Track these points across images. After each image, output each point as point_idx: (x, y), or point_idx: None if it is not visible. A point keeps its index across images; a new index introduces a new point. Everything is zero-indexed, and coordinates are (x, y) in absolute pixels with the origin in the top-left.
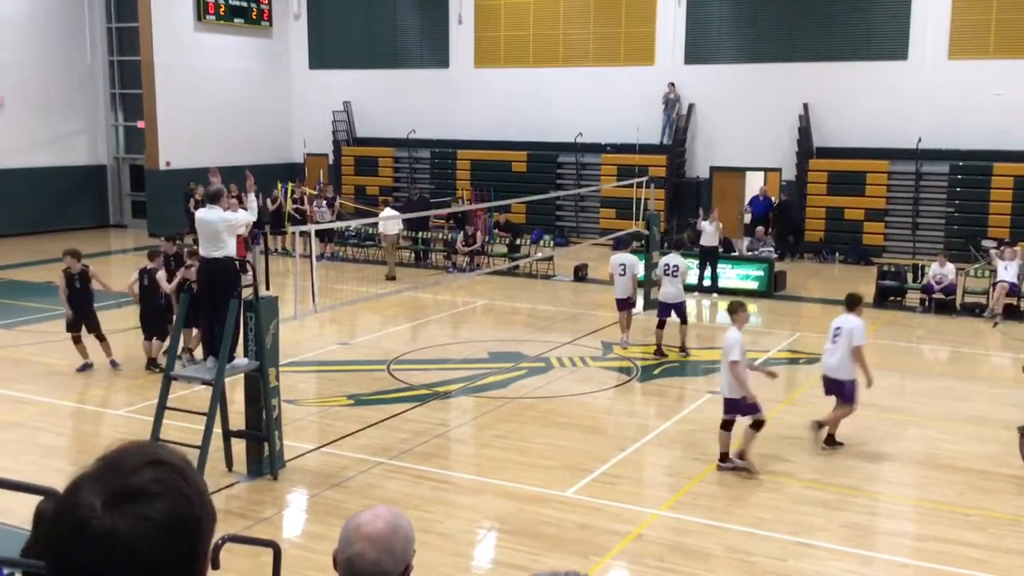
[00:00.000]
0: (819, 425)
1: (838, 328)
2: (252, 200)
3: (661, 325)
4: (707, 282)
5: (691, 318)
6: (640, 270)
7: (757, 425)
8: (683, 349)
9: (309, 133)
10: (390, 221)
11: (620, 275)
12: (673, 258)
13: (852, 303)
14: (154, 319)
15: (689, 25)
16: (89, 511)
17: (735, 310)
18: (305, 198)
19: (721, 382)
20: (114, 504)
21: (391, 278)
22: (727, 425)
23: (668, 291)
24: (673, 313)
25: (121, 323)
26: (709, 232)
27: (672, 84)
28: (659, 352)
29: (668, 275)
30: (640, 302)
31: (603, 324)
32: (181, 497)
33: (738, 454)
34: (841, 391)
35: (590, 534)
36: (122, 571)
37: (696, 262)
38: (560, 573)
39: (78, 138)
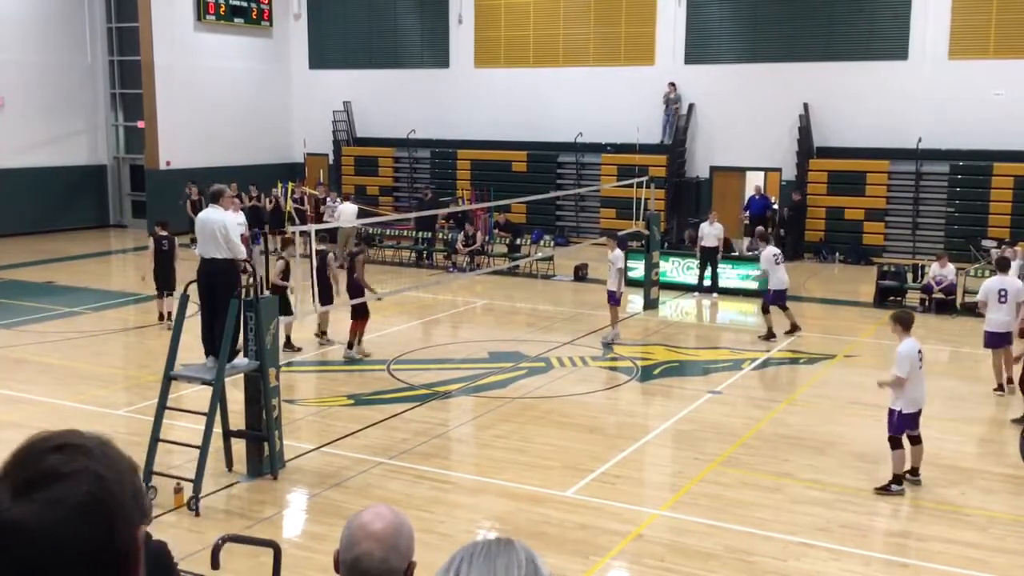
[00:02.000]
0: None
1: (1003, 290)
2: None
3: (766, 310)
4: (707, 282)
5: (691, 319)
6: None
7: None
8: (795, 327)
9: (309, 133)
10: (347, 214)
11: (619, 269)
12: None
13: (1002, 266)
14: (169, 278)
15: (689, 25)
16: None
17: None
18: (305, 197)
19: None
20: (22, 493)
21: (341, 267)
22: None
23: (783, 278)
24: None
25: (120, 323)
26: (708, 233)
27: (672, 84)
28: (772, 335)
29: (781, 263)
30: (640, 301)
31: (603, 324)
32: (92, 476)
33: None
34: (1008, 341)
35: (590, 534)
36: (33, 560)
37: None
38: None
39: (78, 138)
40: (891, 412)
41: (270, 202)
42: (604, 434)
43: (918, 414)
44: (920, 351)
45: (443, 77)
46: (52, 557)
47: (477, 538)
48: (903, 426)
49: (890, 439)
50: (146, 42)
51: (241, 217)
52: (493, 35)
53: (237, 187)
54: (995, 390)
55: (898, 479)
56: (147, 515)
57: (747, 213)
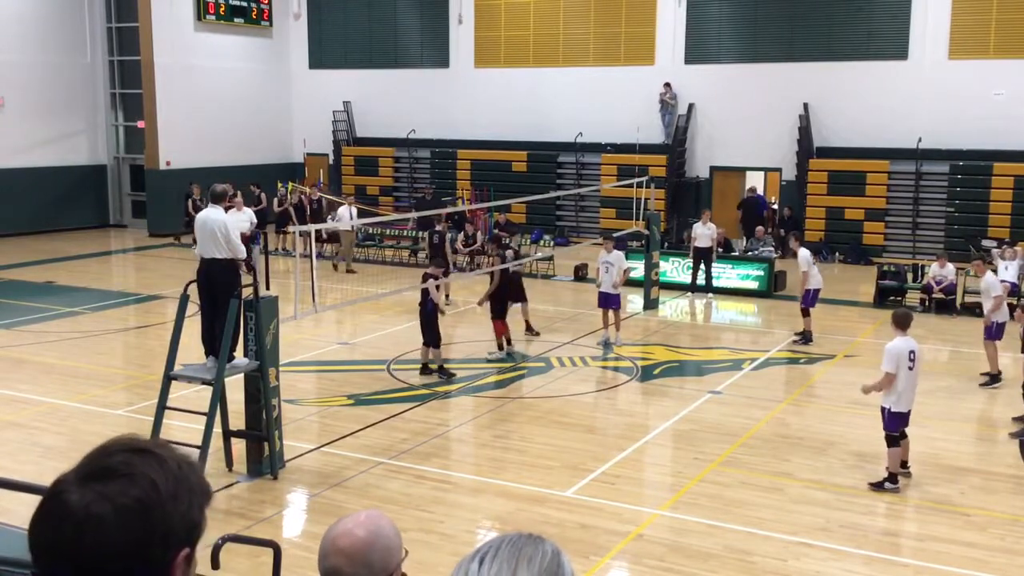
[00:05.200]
0: None
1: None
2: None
3: (806, 312)
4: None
5: (690, 319)
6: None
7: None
8: (807, 336)
9: (309, 133)
10: (345, 218)
11: (605, 272)
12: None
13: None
14: None
15: (689, 25)
16: (64, 485)
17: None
18: (304, 198)
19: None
20: (84, 481)
21: (351, 271)
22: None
23: (819, 277)
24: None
25: (120, 323)
26: (701, 233)
27: (667, 84)
28: (809, 339)
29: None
30: (640, 301)
31: (602, 324)
32: (148, 483)
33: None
34: None
35: (590, 534)
36: (77, 543)
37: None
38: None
39: (78, 138)
40: (882, 409)
41: (279, 203)
42: (604, 434)
43: (908, 414)
44: (913, 352)
45: (443, 77)
46: (92, 545)
47: (481, 537)
48: (894, 424)
49: (886, 437)
50: (146, 42)
51: (251, 215)
52: (493, 35)
53: (257, 187)
54: (995, 379)
55: (893, 477)
56: (194, 540)
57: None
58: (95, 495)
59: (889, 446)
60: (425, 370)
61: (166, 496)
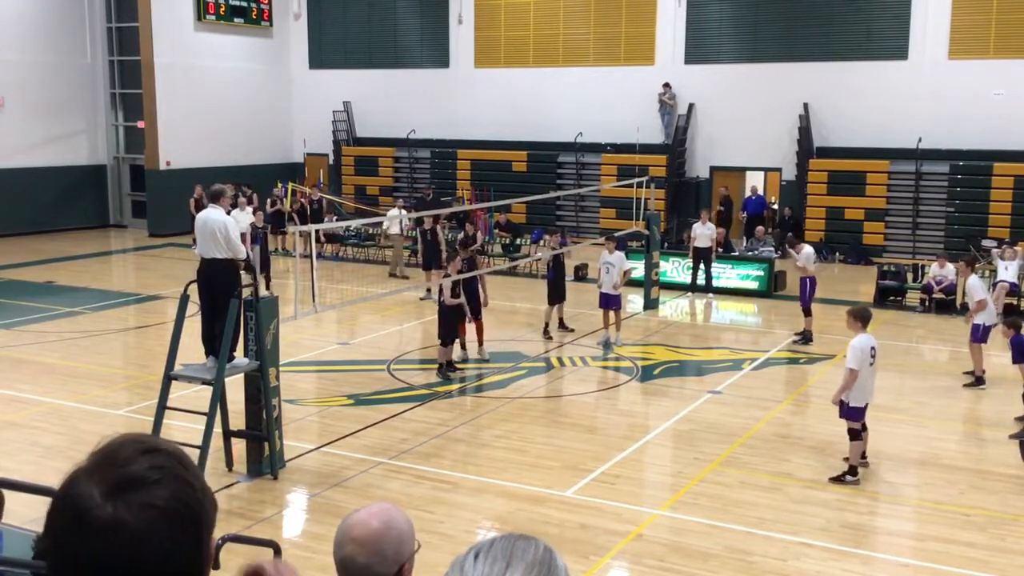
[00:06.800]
0: None
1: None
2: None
3: (808, 312)
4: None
5: (690, 319)
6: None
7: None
8: (807, 336)
9: (309, 133)
10: (396, 220)
11: (607, 273)
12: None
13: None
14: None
15: (689, 25)
16: (89, 501)
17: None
18: (304, 199)
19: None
20: (114, 493)
21: (404, 276)
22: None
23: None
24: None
25: (120, 323)
26: (701, 233)
27: (667, 85)
28: (810, 339)
29: (818, 261)
30: (640, 301)
31: (603, 324)
32: (182, 483)
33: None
34: None
35: (590, 534)
36: (128, 560)
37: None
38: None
39: (78, 138)
40: (840, 403)
41: (271, 204)
42: (604, 434)
43: (865, 408)
44: (873, 348)
45: (443, 77)
46: (144, 558)
47: (481, 537)
48: (854, 416)
49: (849, 431)
50: (146, 42)
51: (249, 216)
52: (493, 35)
53: (249, 187)
54: (979, 380)
55: (854, 469)
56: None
57: (744, 213)
58: (139, 506)
59: (852, 439)
60: (450, 367)
61: (198, 490)
